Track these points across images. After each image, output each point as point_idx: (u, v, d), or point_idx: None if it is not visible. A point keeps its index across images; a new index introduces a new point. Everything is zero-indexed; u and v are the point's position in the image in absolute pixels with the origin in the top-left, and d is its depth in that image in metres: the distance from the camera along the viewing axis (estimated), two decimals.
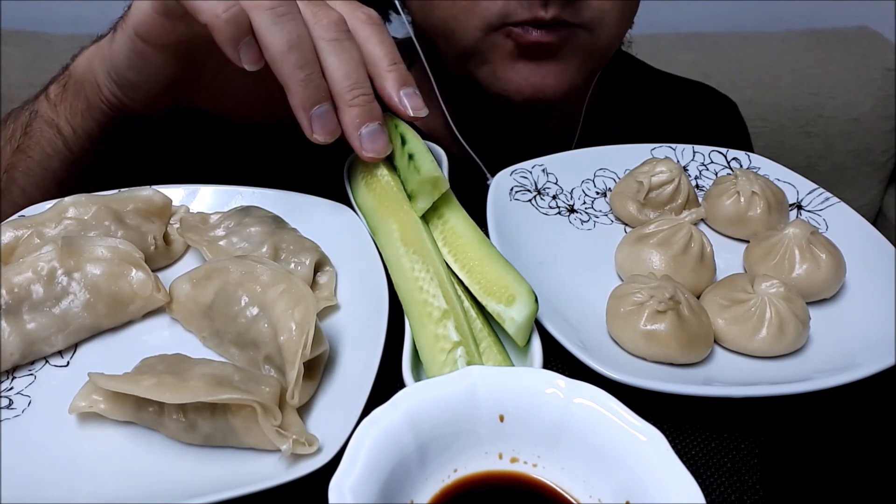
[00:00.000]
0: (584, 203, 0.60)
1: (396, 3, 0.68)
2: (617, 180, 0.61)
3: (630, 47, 0.86)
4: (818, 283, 0.50)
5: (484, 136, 0.74)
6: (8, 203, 0.61)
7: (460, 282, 0.48)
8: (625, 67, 0.85)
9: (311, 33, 0.47)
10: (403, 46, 0.81)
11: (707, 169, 0.63)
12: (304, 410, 0.42)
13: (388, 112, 0.60)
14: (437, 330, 0.44)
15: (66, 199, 0.51)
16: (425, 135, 0.75)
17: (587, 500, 0.35)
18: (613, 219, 0.59)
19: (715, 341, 0.47)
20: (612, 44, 0.66)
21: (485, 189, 0.56)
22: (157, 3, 0.49)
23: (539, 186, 0.59)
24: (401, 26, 0.72)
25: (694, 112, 0.86)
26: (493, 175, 0.58)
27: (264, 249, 0.49)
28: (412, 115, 0.50)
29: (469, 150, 0.74)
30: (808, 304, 0.49)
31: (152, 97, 0.57)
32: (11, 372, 0.45)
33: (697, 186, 0.61)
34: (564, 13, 0.59)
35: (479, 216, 0.53)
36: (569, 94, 0.65)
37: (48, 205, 0.52)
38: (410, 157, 0.53)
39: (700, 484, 0.32)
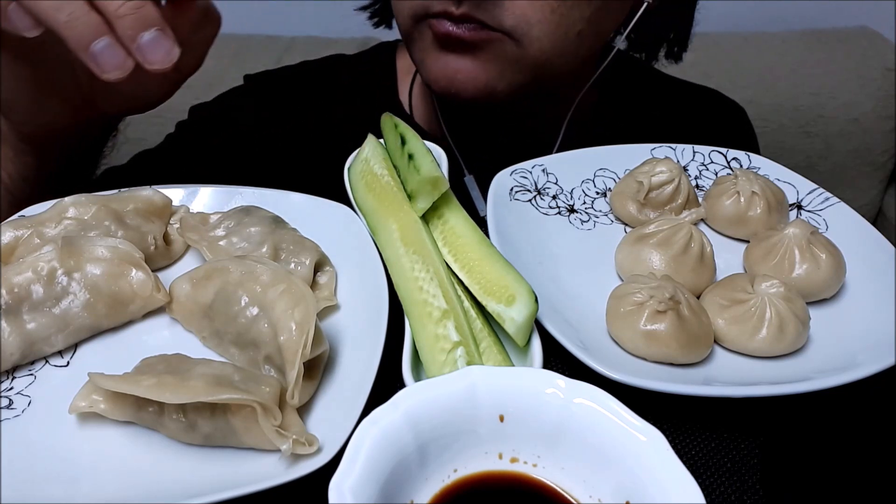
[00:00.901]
0: (584, 203, 0.60)
1: None
2: (617, 180, 0.61)
3: (659, 62, 0.86)
4: (818, 283, 0.50)
5: (467, 131, 0.75)
6: None
7: (460, 282, 0.48)
8: (632, 72, 0.85)
9: None
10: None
11: (707, 169, 0.63)
12: (304, 410, 0.42)
13: (388, 112, 0.60)
14: (437, 330, 0.44)
15: (66, 199, 0.51)
16: (428, 135, 0.75)
17: (587, 500, 0.35)
18: (613, 219, 0.59)
19: (715, 341, 0.47)
20: (544, 58, 0.63)
21: (462, 184, 0.57)
22: None
23: (539, 186, 0.59)
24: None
25: (702, 117, 0.86)
26: (471, 171, 0.59)
27: (264, 249, 0.49)
28: (155, 67, 0.44)
29: (451, 142, 0.74)
30: (808, 304, 0.49)
31: (33, 113, 0.55)
32: (11, 372, 0.45)
33: (697, 186, 0.61)
34: (477, 12, 0.60)
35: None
36: (487, 96, 0.64)
37: (48, 205, 0.52)
38: (410, 157, 0.53)
39: (700, 484, 0.32)
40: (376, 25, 0.85)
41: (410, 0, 0.63)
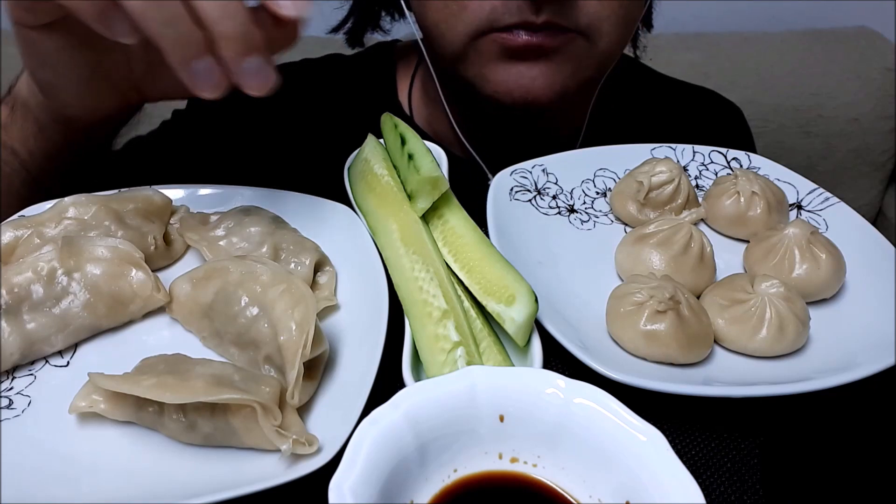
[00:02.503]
0: (584, 203, 0.60)
1: (402, 3, 0.68)
2: (617, 180, 0.61)
3: (644, 51, 0.85)
4: (818, 283, 0.50)
5: (487, 136, 0.74)
6: None
7: (460, 282, 0.48)
8: (630, 73, 0.85)
9: None
10: (412, 47, 0.81)
11: (707, 169, 0.63)
12: (304, 410, 0.42)
13: (388, 112, 0.60)
14: (437, 330, 0.44)
15: (66, 199, 0.51)
16: (428, 135, 0.75)
17: (587, 500, 0.35)
18: (613, 219, 0.59)
19: (715, 341, 0.47)
20: (612, 51, 0.64)
21: (486, 190, 0.56)
22: None
23: (539, 186, 0.59)
24: (405, 26, 0.72)
25: (698, 117, 0.86)
26: (494, 176, 0.58)
27: (264, 249, 0.49)
28: (253, 93, 0.43)
29: (471, 150, 0.74)
30: (808, 304, 0.49)
31: (82, 97, 0.54)
32: (11, 372, 0.45)
33: (697, 186, 0.61)
34: (557, 17, 0.59)
35: (480, 216, 0.53)
36: (560, 98, 0.63)
37: (48, 205, 0.52)
38: (410, 157, 0.53)
39: (700, 484, 0.32)
40: (351, 47, 0.84)
41: (468, 18, 0.60)
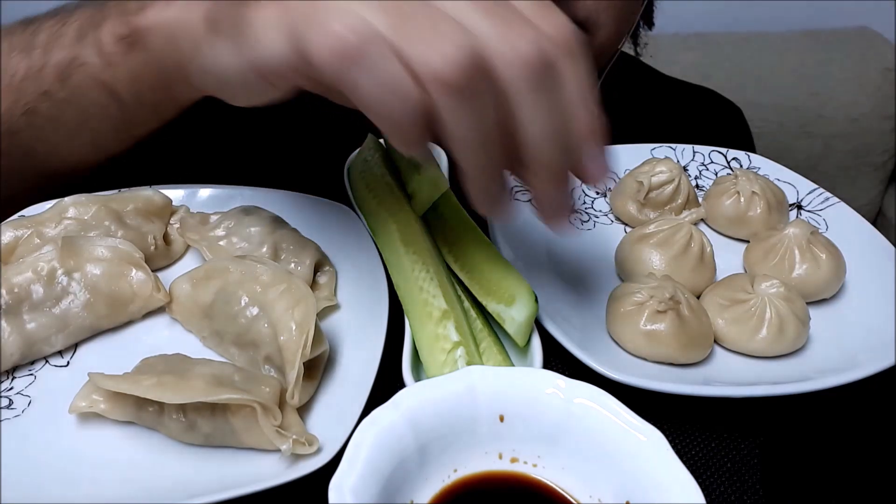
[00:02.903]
0: (584, 203, 0.60)
1: None
2: (617, 180, 0.61)
3: (645, 48, 0.85)
4: (818, 283, 0.50)
5: None
6: (17, 148, 0.53)
7: (460, 282, 0.48)
8: (629, 71, 0.85)
9: (500, 74, 0.34)
10: None
11: (707, 169, 0.63)
12: (304, 410, 0.42)
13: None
14: (437, 330, 0.44)
15: (66, 199, 0.51)
16: None
17: (587, 500, 0.35)
18: (613, 219, 0.59)
19: (715, 341, 0.47)
20: (610, 44, 0.64)
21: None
22: (297, 61, 0.36)
23: None
24: None
25: (698, 116, 0.86)
26: None
27: (264, 249, 0.49)
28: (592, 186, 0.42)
29: None
30: (808, 304, 0.49)
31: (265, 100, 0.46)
32: (11, 372, 0.45)
33: (697, 186, 0.61)
34: None
35: (480, 216, 0.52)
36: None
37: (48, 205, 0.52)
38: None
39: (700, 484, 0.32)
40: None
41: None
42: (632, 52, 0.86)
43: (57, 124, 0.51)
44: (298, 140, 0.77)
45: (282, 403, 0.40)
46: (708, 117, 0.87)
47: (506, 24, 0.34)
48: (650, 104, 0.84)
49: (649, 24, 0.82)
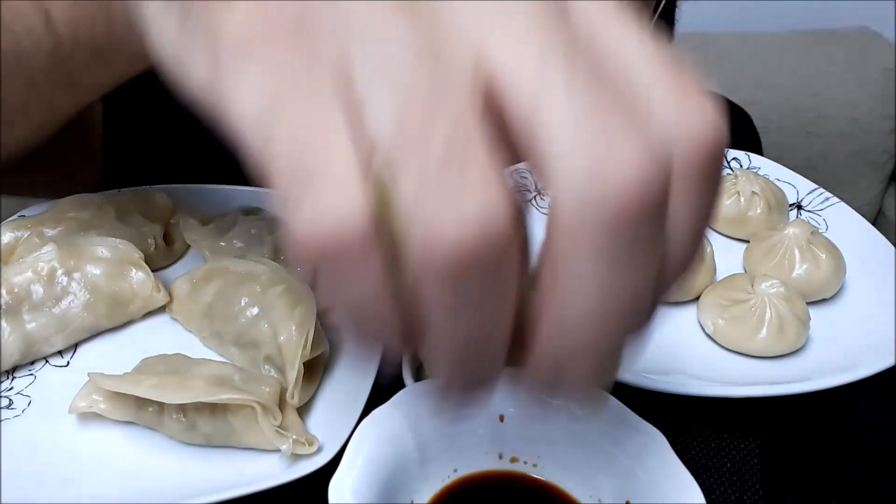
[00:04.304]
0: None
1: None
2: None
3: None
4: (818, 283, 0.50)
5: None
6: None
7: None
8: None
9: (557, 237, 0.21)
10: None
11: None
12: (304, 410, 0.42)
13: None
14: None
15: (66, 199, 0.51)
16: None
17: (587, 500, 0.35)
18: None
19: (715, 341, 0.47)
20: None
21: None
22: (258, 164, 0.22)
23: (539, 186, 0.59)
24: None
25: None
26: None
27: (264, 249, 0.49)
28: None
29: None
30: (808, 304, 0.49)
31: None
32: (11, 372, 0.45)
33: None
34: None
35: None
36: None
37: (48, 205, 0.52)
38: None
39: (700, 484, 0.32)
40: None
41: None
42: None
43: None
44: None
45: (282, 403, 0.40)
46: None
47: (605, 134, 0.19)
48: None
49: (669, 39, 0.82)
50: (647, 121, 0.20)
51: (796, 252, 0.51)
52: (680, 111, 0.20)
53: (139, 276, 0.47)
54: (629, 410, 0.34)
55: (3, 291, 0.45)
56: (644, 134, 0.19)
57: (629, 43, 0.21)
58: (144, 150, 0.75)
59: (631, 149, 0.19)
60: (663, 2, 0.67)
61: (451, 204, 0.19)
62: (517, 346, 0.23)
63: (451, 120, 0.19)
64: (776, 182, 0.59)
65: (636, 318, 0.22)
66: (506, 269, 0.20)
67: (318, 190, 0.19)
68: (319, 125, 0.20)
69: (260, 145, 0.20)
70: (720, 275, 0.52)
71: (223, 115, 0.22)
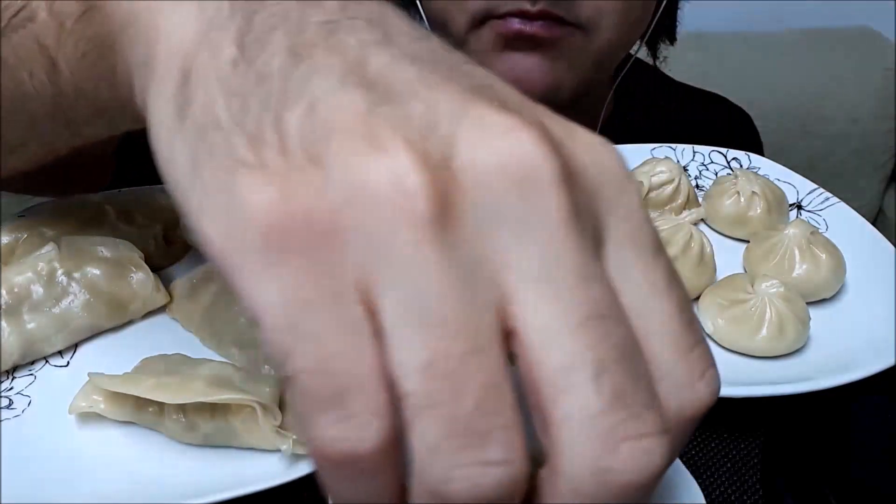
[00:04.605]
0: None
1: None
2: None
3: (665, 62, 0.85)
4: (818, 283, 0.50)
5: None
6: None
7: None
8: (639, 76, 0.85)
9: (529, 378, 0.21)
10: None
11: (707, 169, 0.63)
12: None
13: None
14: None
15: (66, 199, 0.51)
16: None
17: None
18: None
19: (715, 341, 0.47)
20: (611, 50, 0.63)
21: None
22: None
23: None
24: (411, 14, 0.72)
25: (707, 122, 0.86)
26: None
27: None
28: None
29: None
30: (808, 304, 0.49)
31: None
32: (11, 372, 0.45)
33: (697, 186, 0.61)
34: (556, 8, 0.57)
35: None
36: (555, 94, 0.62)
37: (48, 205, 0.52)
38: None
39: (700, 484, 0.32)
40: None
41: (468, 4, 0.59)
42: (650, 62, 0.85)
43: None
44: None
45: (282, 403, 0.40)
46: (717, 124, 0.87)
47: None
48: (660, 109, 0.84)
49: (671, 38, 0.82)
50: (659, 415, 0.21)
51: (796, 252, 0.51)
52: (690, 395, 0.22)
53: (139, 277, 0.47)
54: None
55: (3, 291, 0.45)
56: (656, 427, 0.21)
57: (655, 308, 0.22)
58: (144, 151, 0.75)
59: (641, 450, 0.21)
60: (664, 3, 0.67)
61: (470, 466, 0.19)
62: None
63: (482, 382, 0.19)
64: (776, 182, 0.59)
65: None
66: None
67: (341, 414, 0.20)
68: (346, 349, 0.20)
69: (283, 355, 0.20)
70: (720, 275, 0.52)
71: (234, 282, 0.22)
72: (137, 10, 0.28)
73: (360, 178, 0.20)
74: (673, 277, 0.22)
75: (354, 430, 0.20)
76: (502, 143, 0.20)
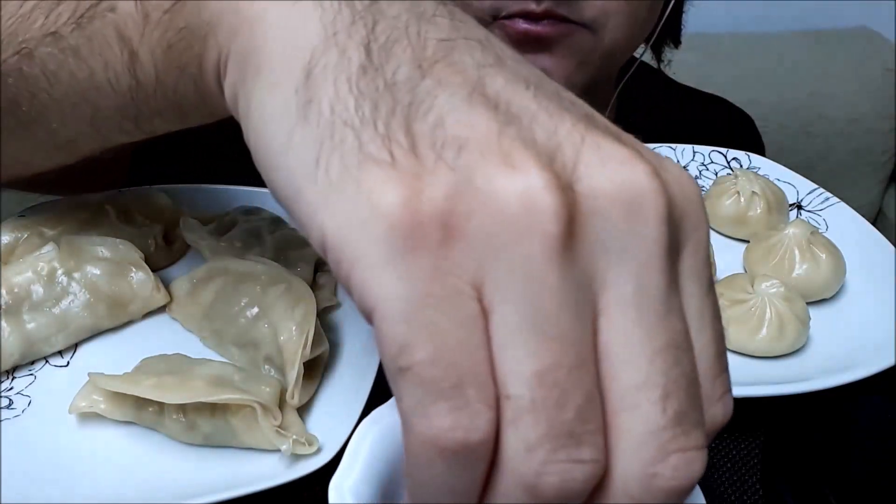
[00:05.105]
0: None
1: None
2: None
3: (669, 66, 0.85)
4: (818, 283, 0.50)
5: None
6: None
7: None
8: (642, 78, 0.85)
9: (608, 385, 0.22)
10: None
11: (707, 169, 0.63)
12: (304, 410, 0.42)
13: None
14: None
15: (66, 199, 0.51)
16: None
17: None
18: None
19: None
20: (616, 49, 0.63)
21: None
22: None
23: None
24: None
25: (710, 125, 0.86)
26: None
27: (264, 249, 0.49)
28: None
29: None
30: (808, 304, 0.49)
31: None
32: (11, 372, 0.45)
33: None
34: (560, 8, 0.58)
35: None
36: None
37: (48, 205, 0.52)
38: None
39: (700, 484, 0.32)
40: None
41: (476, 3, 0.59)
42: (654, 64, 0.85)
43: (55, 80, 0.37)
44: None
45: (282, 403, 0.40)
46: (720, 126, 0.87)
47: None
48: (663, 111, 0.84)
49: (676, 42, 0.82)
50: (703, 432, 0.24)
51: (796, 252, 0.51)
52: (713, 412, 0.25)
53: (139, 277, 0.47)
54: None
55: (3, 291, 0.45)
56: (700, 442, 0.23)
57: (702, 337, 0.24)
58: (144, 151, 0.75)
59: (685, 460, 0.23)
60: (672, 4, 0.67)
61: (565, 463, 0.21)
62: None
63: (584, 392, 0.21)
64: (776, 182, 0.59)
65: None
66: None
67: (457, 403, 0.21)
68: (464, 343, 0.21)
69: (399, 346, 0.21)
70: (720, 275, 0.52)
71: (342, 273, 0.23)
72: (237, 2, 0.28)
73: (493, 189, 0.21)
74: (717, 311, 0.25)
75: (469, 419, 0.21)
76: (620, 173, 0.22)
